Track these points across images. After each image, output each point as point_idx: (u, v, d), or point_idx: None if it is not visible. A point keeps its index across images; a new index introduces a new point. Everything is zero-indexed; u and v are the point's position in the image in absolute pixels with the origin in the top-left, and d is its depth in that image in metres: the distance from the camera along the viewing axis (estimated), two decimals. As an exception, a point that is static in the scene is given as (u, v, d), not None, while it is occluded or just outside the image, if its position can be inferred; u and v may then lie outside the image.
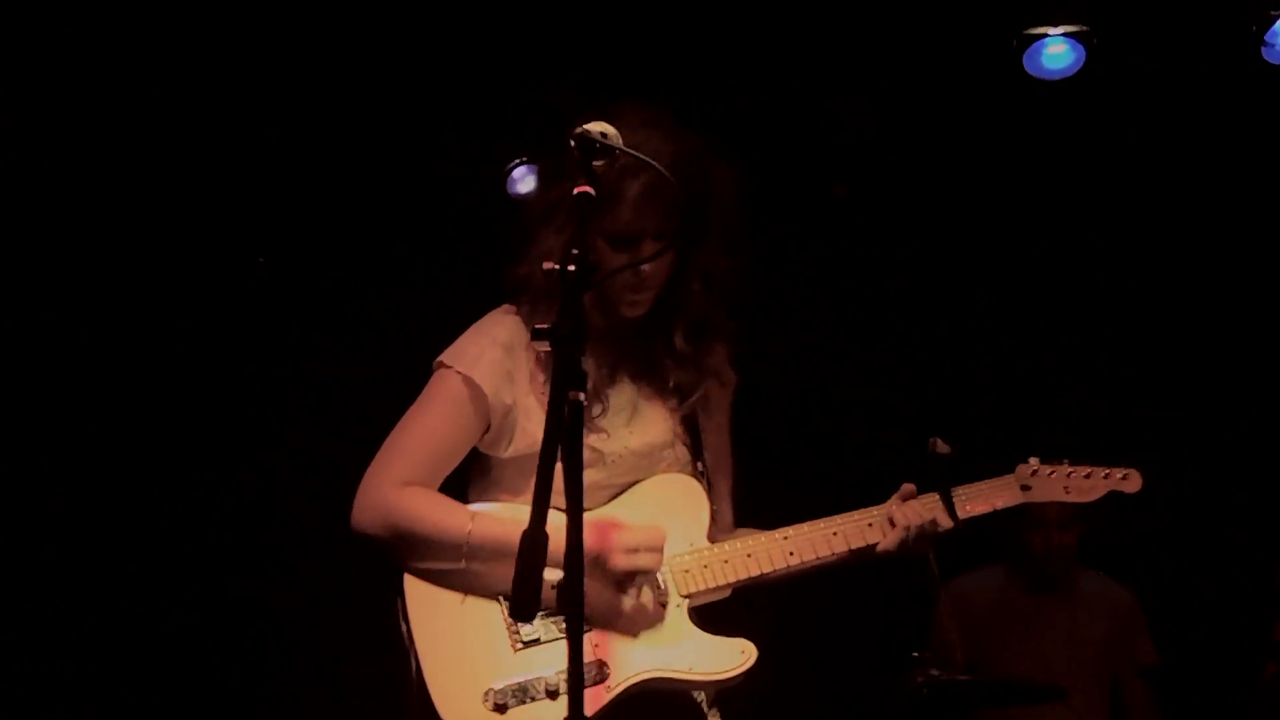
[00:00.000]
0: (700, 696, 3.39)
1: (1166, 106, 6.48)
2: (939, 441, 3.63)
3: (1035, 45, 6.24)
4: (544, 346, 2.91)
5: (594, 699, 3.14)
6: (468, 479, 3.46)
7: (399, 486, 3.29)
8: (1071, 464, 3.73)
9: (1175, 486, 5.80)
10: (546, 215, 3.31)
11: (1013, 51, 6.23)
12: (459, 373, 3.35)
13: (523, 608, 2.50)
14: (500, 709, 3.15)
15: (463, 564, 3.23)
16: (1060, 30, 6.23)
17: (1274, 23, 6.09)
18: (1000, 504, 3.65)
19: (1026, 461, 3.71)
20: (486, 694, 3.16)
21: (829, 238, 6.84)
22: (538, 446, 2.94)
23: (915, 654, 5.19)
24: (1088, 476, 3.74)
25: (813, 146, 6.66)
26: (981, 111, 6.60)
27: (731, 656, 3.30)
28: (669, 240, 3.24)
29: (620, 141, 2.88)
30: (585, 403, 2.61)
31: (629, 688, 3.22)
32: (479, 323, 3.44)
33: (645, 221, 3.24)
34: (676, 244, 3.24)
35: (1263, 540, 6.36)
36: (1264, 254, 6.75)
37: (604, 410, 3.37)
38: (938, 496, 3.56)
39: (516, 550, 2.82)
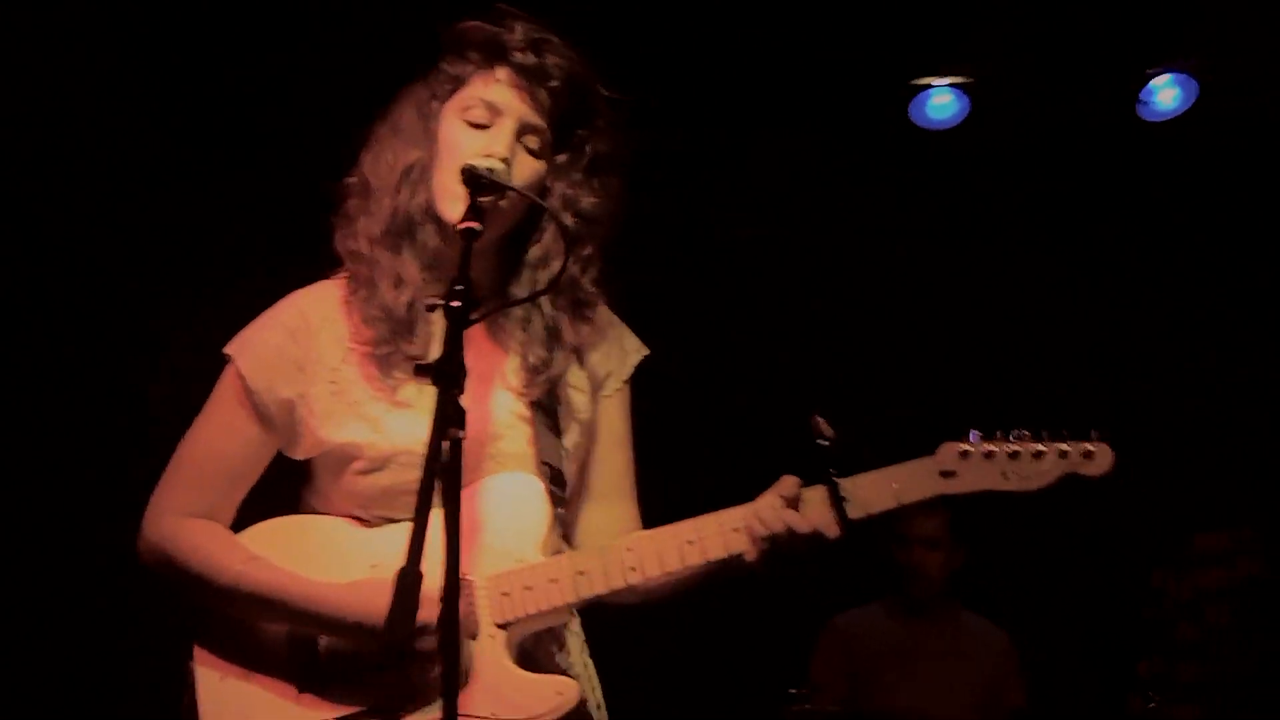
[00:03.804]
0: None
1: (1046, 158, 6.64)
2: (821, 421, 2.79)
3: (920, 95, 6.39)
4: (375, 328, 2.82)
5: None
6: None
7: (177, 518, 2.93)
8: (1026, 439, 2.84)
9: (1042, 526, 5.92)
10: (386, 181, 2.94)
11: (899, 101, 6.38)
12: (234, 365, 2.96)
13: (395, 650, 2.40)
14: None
15: (233, 610, 2.87)
16: (946, 81, 6.38)
17: (1149, 81, 6.30)
18: (909, 498, 2.81)
19: (962, 438, 2.85)
20: None
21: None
22: (324, 447, 2.91)
23: (792, 690, 5.24)
24: (1038, 456, 2.83)
25: (711, 185, 6.74)
26: (870, 158, 6.72)
27: (544, 699, 2.78)
28: (541, 139, 2.89)
29: (509, 178, 2.76)
30: (464, 438, 2.42)
31: None
32: (278, 302, 3.03)
33: (514, 106, 2.86)
34: (545, 155, 2.90)
35: (1129, 576, 6.52)
36: (1138, 294, 6.93)
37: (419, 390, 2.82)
38: (825, 491, 2.80)
39: (293, 602, 2.77)
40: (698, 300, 6.67)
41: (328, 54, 5.63)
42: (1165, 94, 6.34)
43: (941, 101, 6.41)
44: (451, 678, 2.40)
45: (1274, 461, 6.70)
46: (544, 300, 2.95)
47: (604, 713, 3.04)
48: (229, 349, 2.97)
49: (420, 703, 2.74)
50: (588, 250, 2.98)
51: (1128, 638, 6.43)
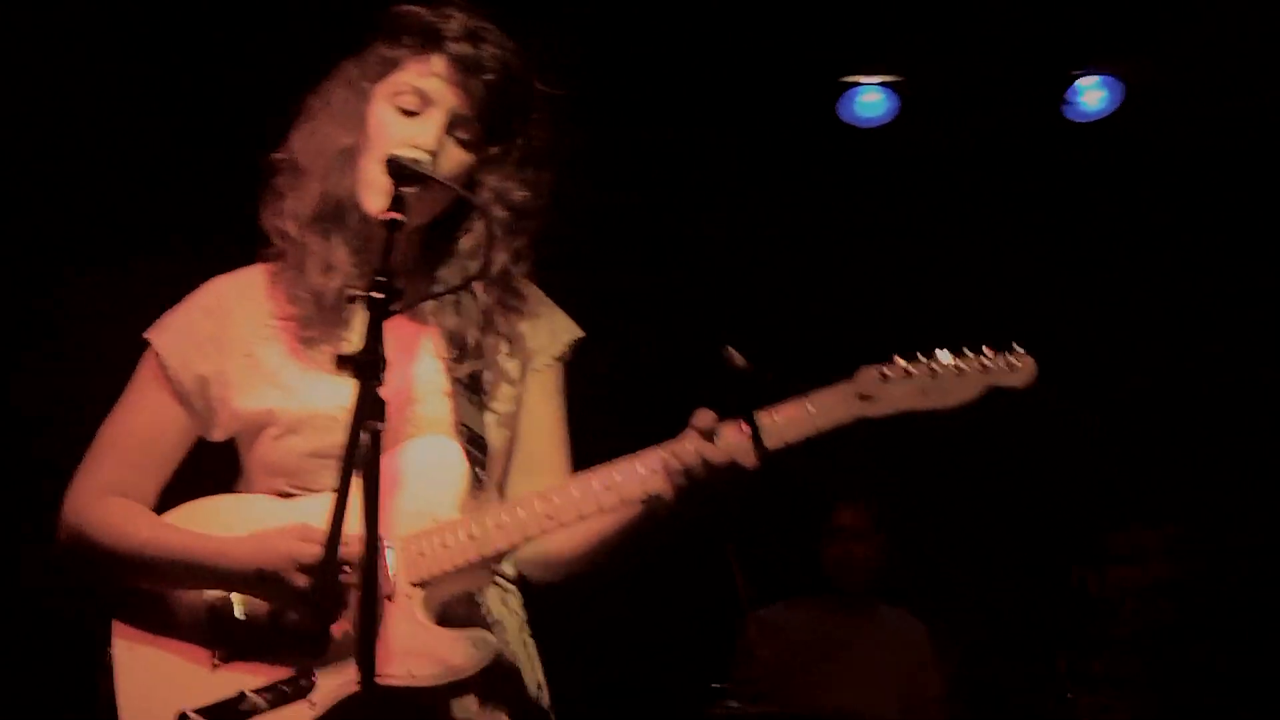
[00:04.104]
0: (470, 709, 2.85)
1: (975, 158, 6.69)
2: (733, 352, 2.68)
3: (849, 93, 6.41)
4: (301, 307, 2.81)
5: (291, 717, 2.70)
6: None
7: (92, 497, 2.90)
8: (950, 354, 2.75)
9: (964, 521, 5.97)
10: (316, 162, 2.92)
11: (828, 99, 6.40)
12: (152, 347, 2.96)
13: (318, 641, 2.39)
14: None
15: (144, 580, 2.84)
16: (875, 79, 6.41)
17: (1075, 81, 6.36)
18: (826, 422, 2.71)
19: (884, 363, 2.77)
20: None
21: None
22: (240, 419, 2.89)
23: (716, 685, 5.26)
24: (959, 372, 2.74)
25: (636, 181, 6.74)
26: (801, 156, 6.74)
27: (462, 654, 2.70)
28: (474, 129, 2.86)
29: (435, 170, 2.74)
30: (383, 429, 2.39)
31: (344, 701, 2.69)
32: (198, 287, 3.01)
33: (446, 97, 2.83)
34: (476, 146, 2.87)
35: (1049, 572, 6.58)
36: (1063, 293, 6.99)
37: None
38: (740, 421, 2.70)
39: (200, 560, 2.72)
40: (624, 295, 6.67)
41: (256, 34, 5.59)
42: (1091, 95, 6.40)
43: (871, 100, 6.44)
44: (369, 676, 2.37)
45: (1192, 460, 6.78)
46: (478, 287, 2.92)
47: (545, 693, 3.00)
48: (148, 334, 2.97)
49: (335, 671, 2.70)
50: (519, 242, 2.95)
51: (1047, 633, 6.49)
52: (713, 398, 2.73)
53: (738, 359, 2.67)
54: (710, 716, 5.09)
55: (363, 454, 2.40)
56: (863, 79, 6.38)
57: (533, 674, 2.98)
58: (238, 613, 2.80)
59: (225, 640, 2.80)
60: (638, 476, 2.74)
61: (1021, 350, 2.77)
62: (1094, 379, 6.96)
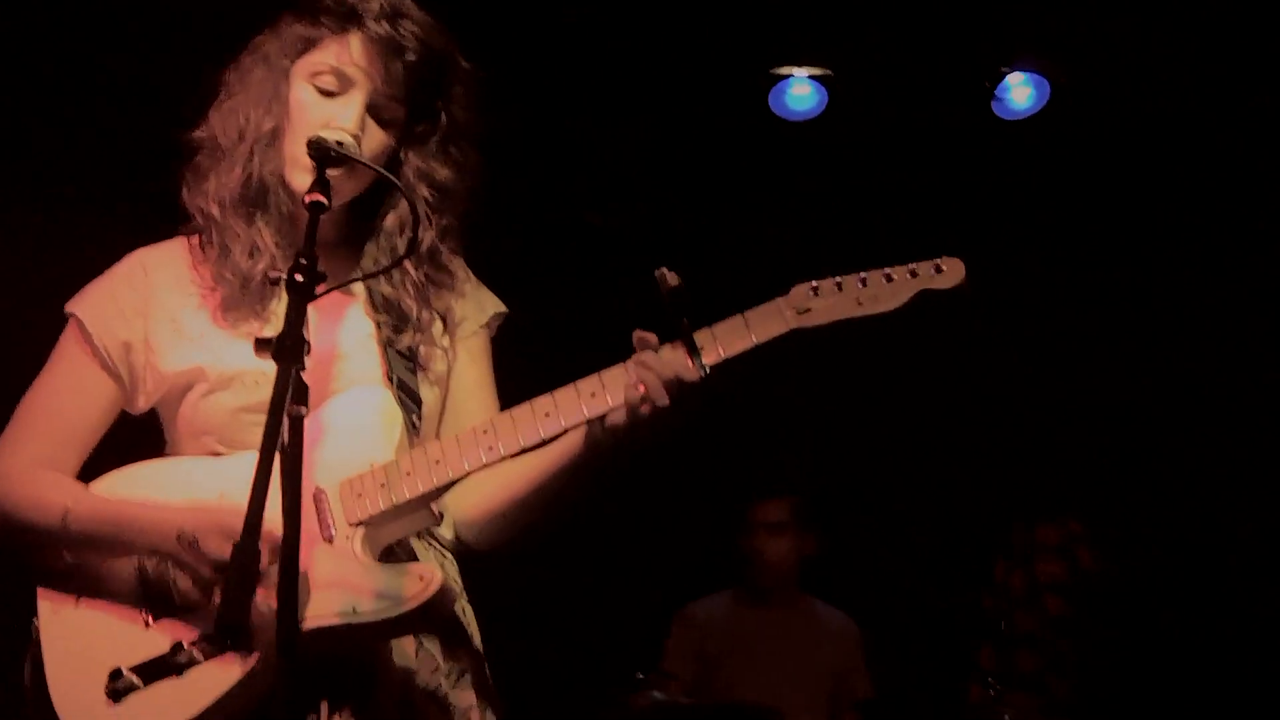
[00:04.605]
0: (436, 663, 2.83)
1: (903, 153, 6.72)
2: (667, 272, 2.72)
3: (780, 85, 6.42)
4: (226, 288, 2.79)
5: (228, 671, 2.66)
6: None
7: (14, 470, 2.86)
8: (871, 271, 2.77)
9: (886, 515, 6.00)
10: (237, 144, 2.88)
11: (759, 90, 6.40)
12: (74, 318, 2.93)
13: (230, 626, 2.33)
14: (117, 694, 2.69)
15: (69, 554, 2.80)
16: (805, 72, 6.42)
17: (1004, 78, 6.39)
18: (763, 336, 2.70)
19: (810, 280, 2.79)
20: (109, 678, 2.70)
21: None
22: (166, 382, 2.87)
23: (640, 676, 5.26)
24: (889, 279, 2.75)
25: (569, 172, 6.73)
26: (731, 147, 6.75)
27: (406, 587, 2.65)
28: (398, 107, 2.85)
29: (358, 152, 2.72)
30: (305, 414, 2.41)
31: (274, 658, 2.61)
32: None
33: (366, 77, 2.82)
34: (398, 126, 2.86)
35: (971, 566, 6.63)
36: (988, 289, 7.02)
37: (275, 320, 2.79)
38: (682, 343, 2.70)
39: (124, 524, 2.71)
40: (553, 285, 6.67)
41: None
42: (1019, 92, 6.43)
43: (801, 92, 6.45)
44: (289, 663, 2.37)
45: (1113, 455, 6.85)
46: (408, 263, 2.91)
47: (485, 663, 2.98)
48: (69, 306, 2.94)
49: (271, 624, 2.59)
50: (446, 221, 2.95)
51: (969, 627, 6.54)
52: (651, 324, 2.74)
53: (671, 278, 2.70)
54: (632, 706, 5.09)
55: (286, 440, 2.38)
56: (794, 71, 6.37)
57: (473, 639, 2.96)
58: (172, 579, 2.76)
59: (156, 602, 2.77)
60: (578, 401, 2.71)
61: (948, 256, 2.81)
62: (1015, 372, 7.03)
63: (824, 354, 6.88)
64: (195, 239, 2.97)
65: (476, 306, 3.07)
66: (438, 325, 2.99)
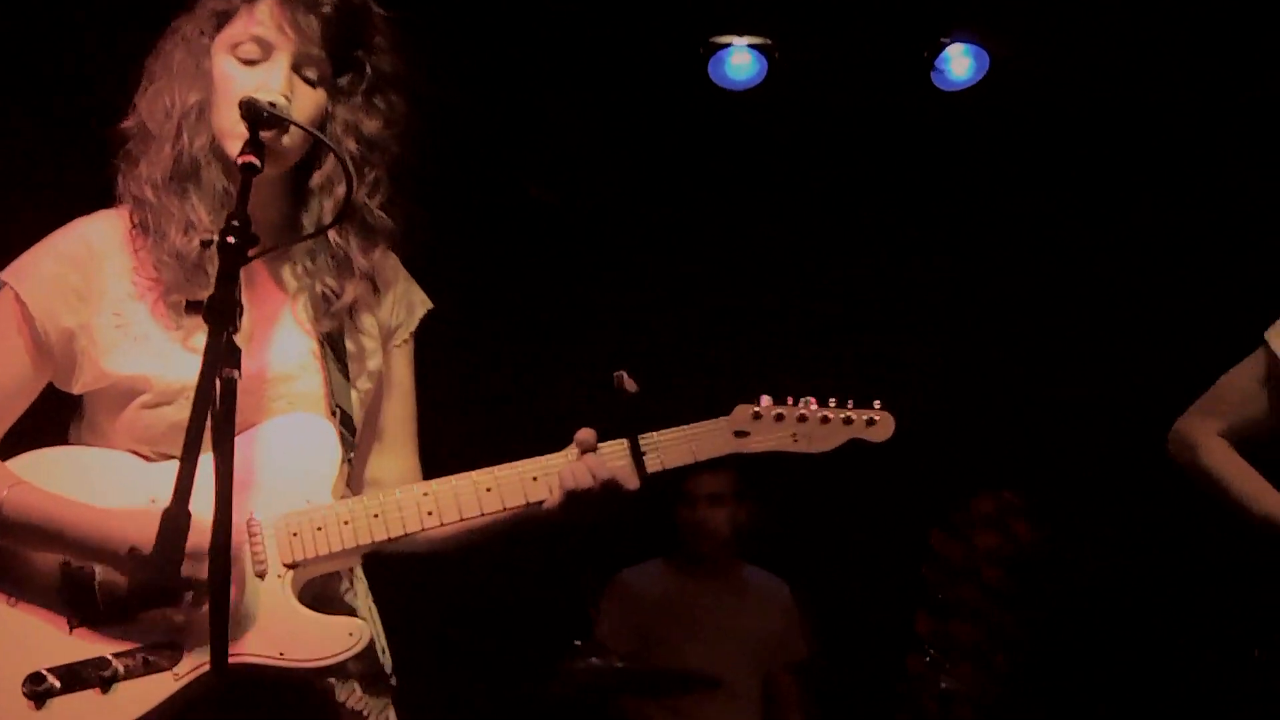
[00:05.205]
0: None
1: (843, 123, 6.72)
2: (625, 376, 2.90)
3: (719, 54, 6.40)
4: (166, 272, 2.74)
5: (155, 688, 2.67)
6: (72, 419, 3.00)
7: None
8: (814, 404, 3.00)
9: (826, 484, 6.00)
10: (165, 125, 2.86)
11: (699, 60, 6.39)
12: (11, 291, 2.86)
13: (162, 591, 2.34)
14: (38, 698, 2.66)
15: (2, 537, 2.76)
16: (744, 41, 6.40)
17: (943, 50, 6.40)
18: (704, 454, 2.93)
19: (755, 402, 2.98)
20: (27, 681, 2.67)
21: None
22: (108, 379, 2.82)
23: (577, 643, 5.26)
24: (825, 421, 2.99)
25: (509, 143, 6.69)
26: (671, 117, 6.73)
27: (335, 640, 2.74)
28: (319, 70, 2.84)
29: (291, 113, 2.70)
30: (238, 378, 2.39)
31: (207, 675, 2.66)
32: (58, 229, 2.93)
33: (286, 39, 2.80)
34: (326, 84, 2.85)
35: (909, 537, 6.66)
36: (927, 259, 7.07)
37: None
38: (625, 444, 2.89)
39: (65, 524, 2.66)
40: (491, 258, 6.64)
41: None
42: (958, 64, 6.44)
43: (740, 62, 6.43)
44: (221, 619, 2.36)
45: (1054, 427, 6.89)
46: (334, 234, 2.90)
47: (388, 657, 3.01)
48: (5, 275, 2.88)
49: (199, 641, 2.66)
50: (374, 174, 2.93)
51: (908, 596, 6.57)
52: (597, 415, 2.94)
53: (629, 384, 2.90)
54: (570, 673, 5.10)
55: (220, 413, 2.37)
56: (734, 40, 6.36)
57: (378, 639, 2.99)
58: (98, 580, 2.74)
59: (81, 607, 2.74)
60: (520, 483, 2.86)
61: (881, 406, 3.04)
62: (950, 343, 7.06)
63: (763, 321, 6.89)
64: (132, 221, 2.91)
65: (408, 309, 3.09)
66: (368, 320, 2.99)
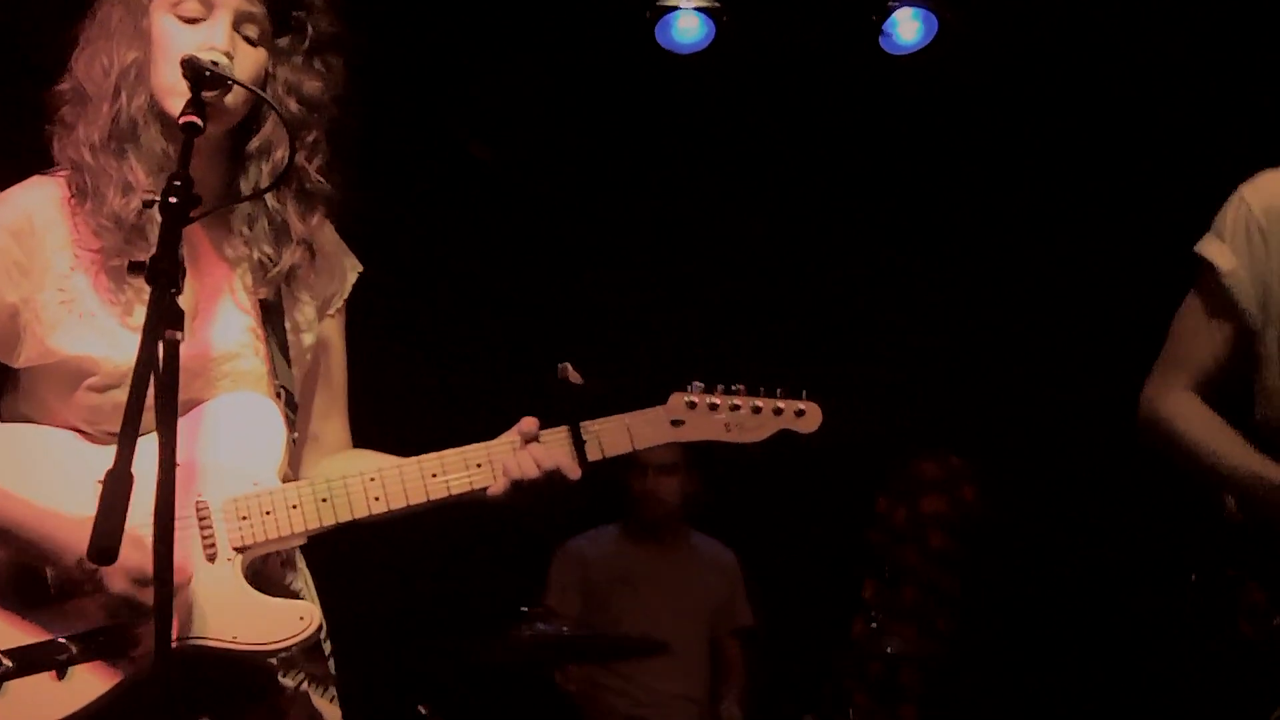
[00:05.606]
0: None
1: (791, 87, 6.70)
2: (569, 368, 2.98)
3: (666, 18, 6.36)
4: (106, 238, 2.70)
5: (111, 671, 2.68)
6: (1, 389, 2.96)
7: None
8: (744, 393, 3.08)
9: (772, 449, 6.00)
10: (102, 85, 2.80)
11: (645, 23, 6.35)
12: None
13: (103, 550, 2.25)
14: None
15: None
16: (692, 4, 6.36)
17: (891, 14, 6.38)
18: (642, 443, 3.01)
19: (686, 389, 3.05)
20: None
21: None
22: (54, 357, 2.78)
23: (525, 609, 5.26)
24: (756, 411, 3.07)
25: (453, 105, 6.64)
26: (618, 80, 6.69)
27: (287, 624, 2.77)
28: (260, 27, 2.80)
29: (233, 71, 2.66)
30: (181, 339, 2.36)
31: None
32: None
33: None
34: (265, 39, 2.81)
35: (853, 502, 6.68)
36: (874, 224, 7.07)
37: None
38: (566, 432, 2.95)
39: (10, 523, 2.65)
40: (434, 221, 6.60)
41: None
42: (907, 28, 6.43)
43: (688, 25, 6.39)
44: (165, 595, 2.32)
45: (995, 389, 6.91)
46: (271, 198, 2.87)
47: (323, 628, 2.98)
48: None
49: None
50: (313, 136, 2.89)
51: (853, 560, 6.59)
52: (537, 403, 3.00)
53: (573, 375, 2.98)
54: (518, 638, 5.09)
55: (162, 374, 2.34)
56: (681, 3, 6.32)
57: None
58: (50, 582, 2.71)
59: (32, 601, 2.71)
60: (465, 470, 2.89)
61: (808, 397, 3.14)
62: (900, 304, 7.06)
63: (704, 292, 6.85)
64: (69, 188, 2.84)
65: (341, 277, 3.06)
66: (304, 293, 2.98)
